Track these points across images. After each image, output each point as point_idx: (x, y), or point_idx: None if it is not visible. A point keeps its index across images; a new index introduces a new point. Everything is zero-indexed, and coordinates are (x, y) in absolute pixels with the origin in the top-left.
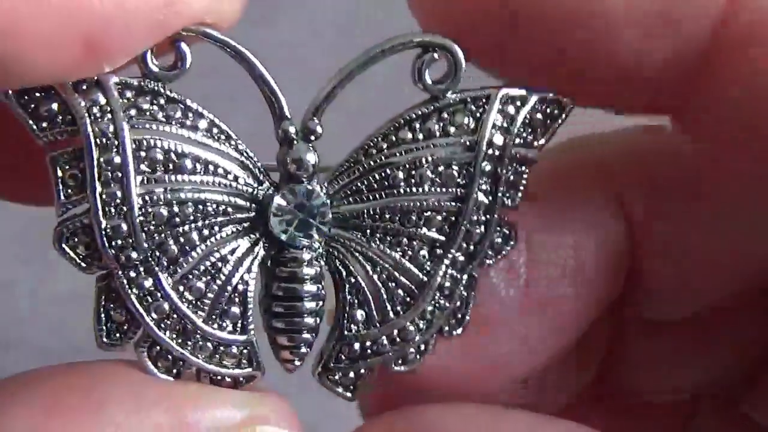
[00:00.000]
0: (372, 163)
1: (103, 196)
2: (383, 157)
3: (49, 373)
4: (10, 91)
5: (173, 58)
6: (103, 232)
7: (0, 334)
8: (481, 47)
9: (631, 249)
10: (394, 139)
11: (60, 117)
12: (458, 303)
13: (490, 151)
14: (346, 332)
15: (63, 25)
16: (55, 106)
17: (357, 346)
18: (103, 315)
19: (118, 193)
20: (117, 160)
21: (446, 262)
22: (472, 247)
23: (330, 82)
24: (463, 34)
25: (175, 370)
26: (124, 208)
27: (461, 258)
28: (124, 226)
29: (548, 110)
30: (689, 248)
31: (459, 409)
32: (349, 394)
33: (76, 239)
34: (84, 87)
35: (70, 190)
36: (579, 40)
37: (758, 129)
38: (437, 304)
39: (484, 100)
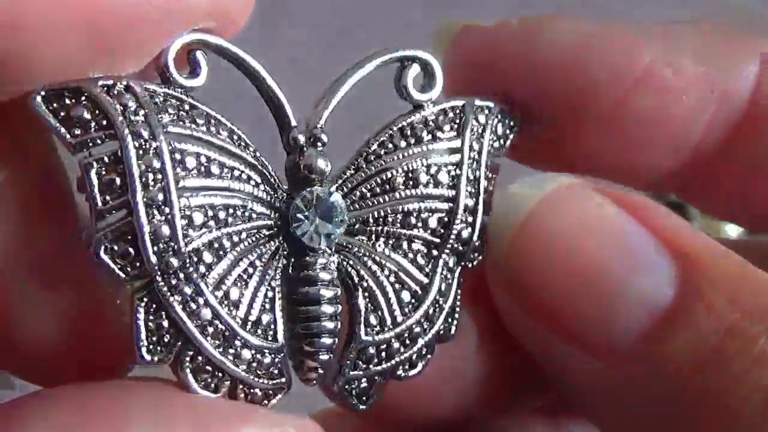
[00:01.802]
0: (372, 168)
1: (145, 200)
2: (383, 163)
3: (71, 391)
4: (38, 97)
5: (189, 70)
6: (147, 237)
7: None
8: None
9: None
10: (390, 145)
11: (93, 123)
12: (451, 305)
13: (472, 155)
14: (364, 337)
15: (66, 16)
16: (86, 112)
17: (372, 350)
18: (143, 328)
19: (159, 197)
20: (156, 163)
21: (441, 263)
22: (460, 248)
23: (328, 93)
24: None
25: (213, 384)
26: (166, 211)
27: (452, 259)
28: (166, 231)
29: (507, 122)
30: None
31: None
32: (363, 406)
33: (115, 247)
34: (115, 91)
35: (107, 197)
36: (636, 105)
37: None
38: (437, 305)
39: (459, 109)
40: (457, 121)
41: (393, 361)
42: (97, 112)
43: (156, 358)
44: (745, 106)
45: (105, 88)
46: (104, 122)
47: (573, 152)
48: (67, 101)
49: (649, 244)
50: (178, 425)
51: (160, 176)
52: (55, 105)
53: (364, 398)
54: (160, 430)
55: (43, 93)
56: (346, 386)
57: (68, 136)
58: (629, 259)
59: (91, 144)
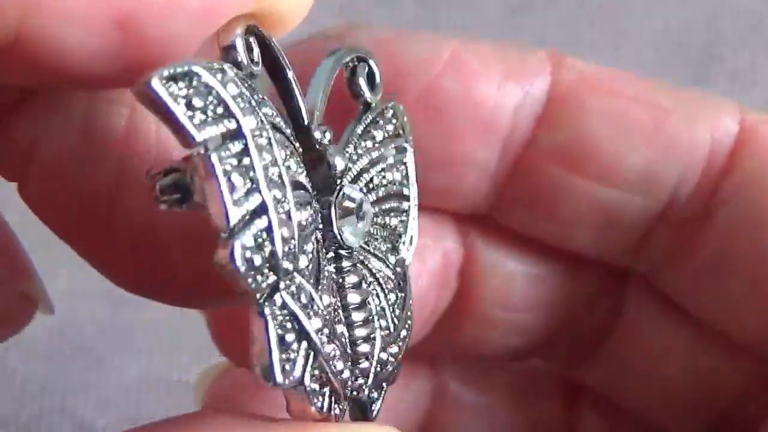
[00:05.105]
0: (358, 169)
1: (273, 199)
2: (367, 163)
3: None
4: (156, 81)
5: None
6: (278, 240)
7: None
8: None
9: None
10: (363, 145)
11: (210, 111)
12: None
13: (412, 154)
14: (381, 340)
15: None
16: (199, 98)
17: (384, 356)
18: (276, 346)
19: (279, 194)
20: (268, 155)
21: (406, 260)
22: (409, 244)
23: (310, 95)
24: None
25: (320, 405)
26: (286, 208)
27: (404, 255)
28: (287, 232)
29: None
30: None
31: None
32: (375, 414)
33: (247, 254)
34: (218, 75)
35: (236, 194)
36: None
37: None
38: (410, 304)
39: (393, 109)
40: (394, 121)
41: (394, 363)
42: (210, 98)
43: (287, 380)
44: (544, 98)
45: (210, 71)
46: (219, 110)
47: None
48: (181, 86)
49: None
50: None
51: (276, 170)
52: (170, 90)
53: (372, 406)
54: None
55: (160, 77)
56: (369, 395)
57: (191, 127)
58: None
59: (212, 134)
